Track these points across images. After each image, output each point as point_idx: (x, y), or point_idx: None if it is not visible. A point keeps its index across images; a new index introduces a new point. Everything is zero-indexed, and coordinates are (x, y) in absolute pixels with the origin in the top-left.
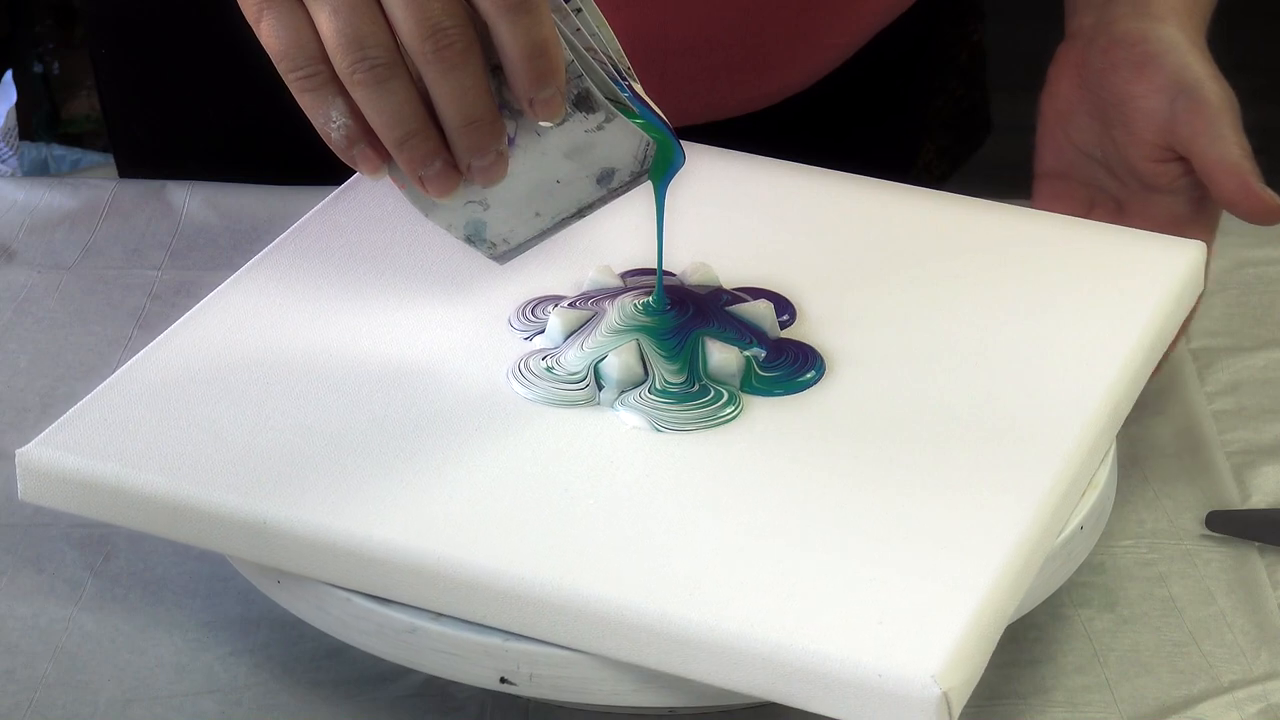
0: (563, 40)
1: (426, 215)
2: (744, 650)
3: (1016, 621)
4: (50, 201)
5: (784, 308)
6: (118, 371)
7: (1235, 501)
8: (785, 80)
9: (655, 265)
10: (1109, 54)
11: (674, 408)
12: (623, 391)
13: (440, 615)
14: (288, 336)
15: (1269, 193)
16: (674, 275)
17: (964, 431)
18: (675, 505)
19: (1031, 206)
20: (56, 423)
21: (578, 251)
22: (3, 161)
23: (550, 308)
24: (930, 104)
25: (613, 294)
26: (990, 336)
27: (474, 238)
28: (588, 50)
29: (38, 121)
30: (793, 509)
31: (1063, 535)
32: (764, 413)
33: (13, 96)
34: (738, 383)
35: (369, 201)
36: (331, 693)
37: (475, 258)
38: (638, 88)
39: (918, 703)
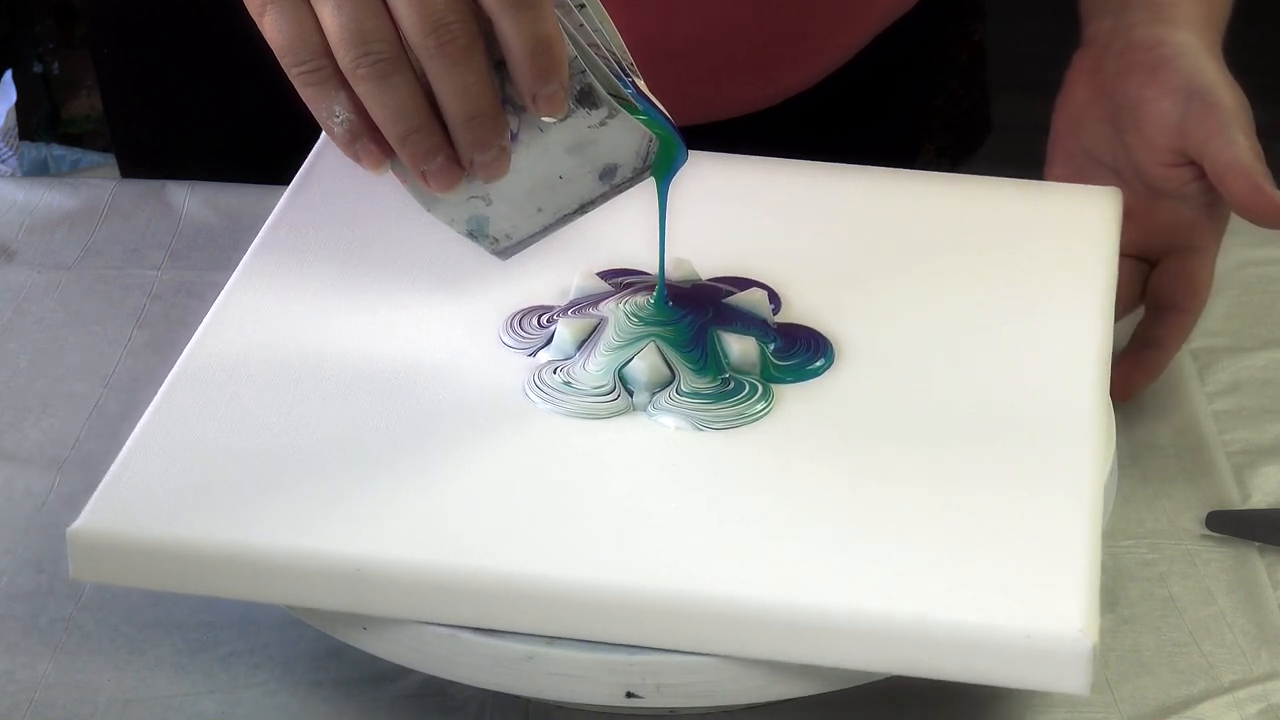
0: (565, 36)
1: (429, 210)
2: (882, 630)
3: None
4: (50, 201)
5: (770, 297)
6: (139, 426)
7: (1235, 501)
8: (787, 81)
9: (630, 265)
10: (1125, 57)
11: (712, 407)
12: (653, 394)
13: (554, 638)
14: (298, 355)
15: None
16: (648, 275)
17: (991, 400)
18: (761, 499)
19: None
20: (98, 492)
21: (561, 251)
22: (3, 161)
23: (538, 319)
24: (930, 104)
25: (605, 298)
26: (974, 311)
27: (476, 233)
28: (591, 46)
29: (38, 121)
30: (872, 493)
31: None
32: (792, 404)
33: (13, 96)
34: (759, 372)
35: (321, 201)
36: (331, 693)
37: (461, 257)
38: (641, 84)
39: (1071, 657)
